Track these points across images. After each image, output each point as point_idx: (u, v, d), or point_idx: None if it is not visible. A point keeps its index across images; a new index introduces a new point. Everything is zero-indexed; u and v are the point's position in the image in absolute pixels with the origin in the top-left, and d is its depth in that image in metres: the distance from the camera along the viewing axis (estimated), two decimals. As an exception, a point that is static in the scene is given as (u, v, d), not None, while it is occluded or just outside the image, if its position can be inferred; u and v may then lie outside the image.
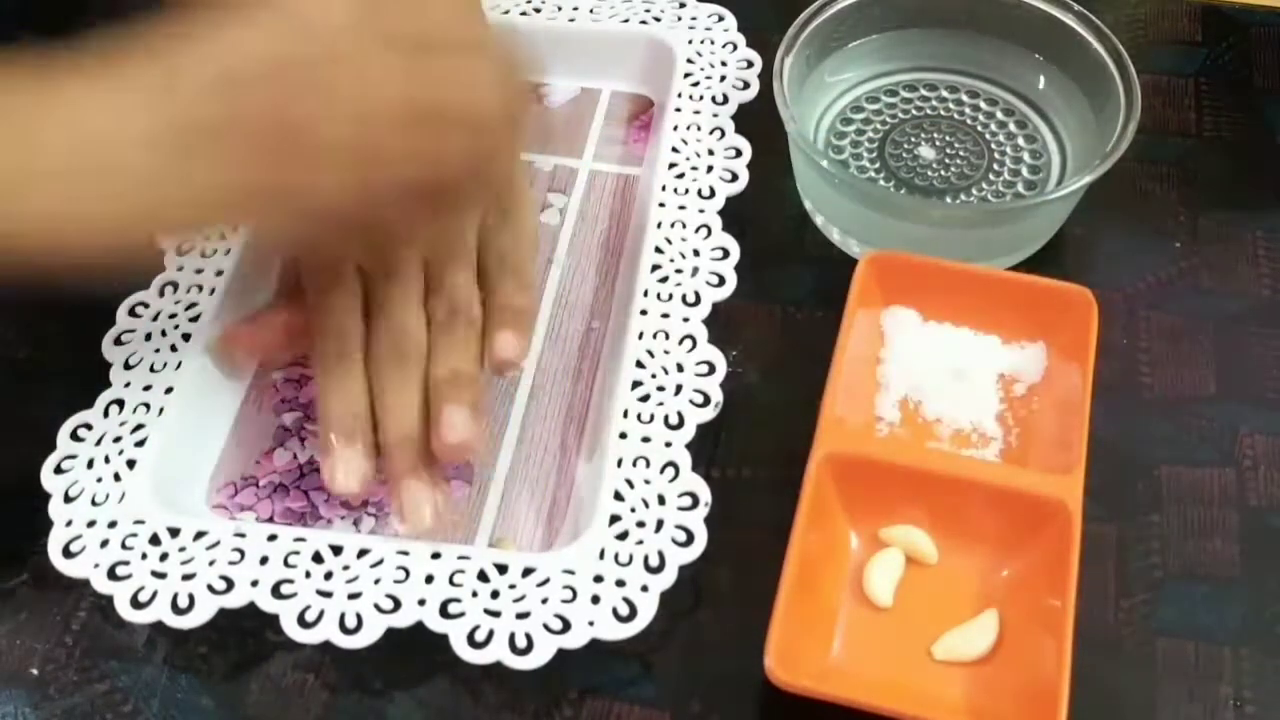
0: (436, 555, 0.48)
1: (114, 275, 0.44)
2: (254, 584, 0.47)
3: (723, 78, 0.64)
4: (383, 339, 0.51)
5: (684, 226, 0.58)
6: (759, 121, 0.62)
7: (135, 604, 0.47)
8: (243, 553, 0.48)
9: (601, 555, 0.48)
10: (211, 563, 0.48)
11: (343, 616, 0.46)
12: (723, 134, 0.62)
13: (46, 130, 0.42)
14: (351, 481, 0.49)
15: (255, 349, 0.55)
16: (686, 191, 0.59)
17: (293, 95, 0.43)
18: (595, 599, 0.47)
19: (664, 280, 0.56)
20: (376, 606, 0.46)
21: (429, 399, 0.50)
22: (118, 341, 0.55)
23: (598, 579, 0.47)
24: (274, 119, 0.43)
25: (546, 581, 0.47)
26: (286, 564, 0.48)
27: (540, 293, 0.59)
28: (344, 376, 0.51)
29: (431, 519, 0.49)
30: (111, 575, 0.47)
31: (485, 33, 0.49)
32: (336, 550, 0.48)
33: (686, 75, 0.64)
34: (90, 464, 0.51)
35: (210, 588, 0.47)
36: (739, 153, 0.61)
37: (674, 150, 0.61)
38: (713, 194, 0.59)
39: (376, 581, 0.47)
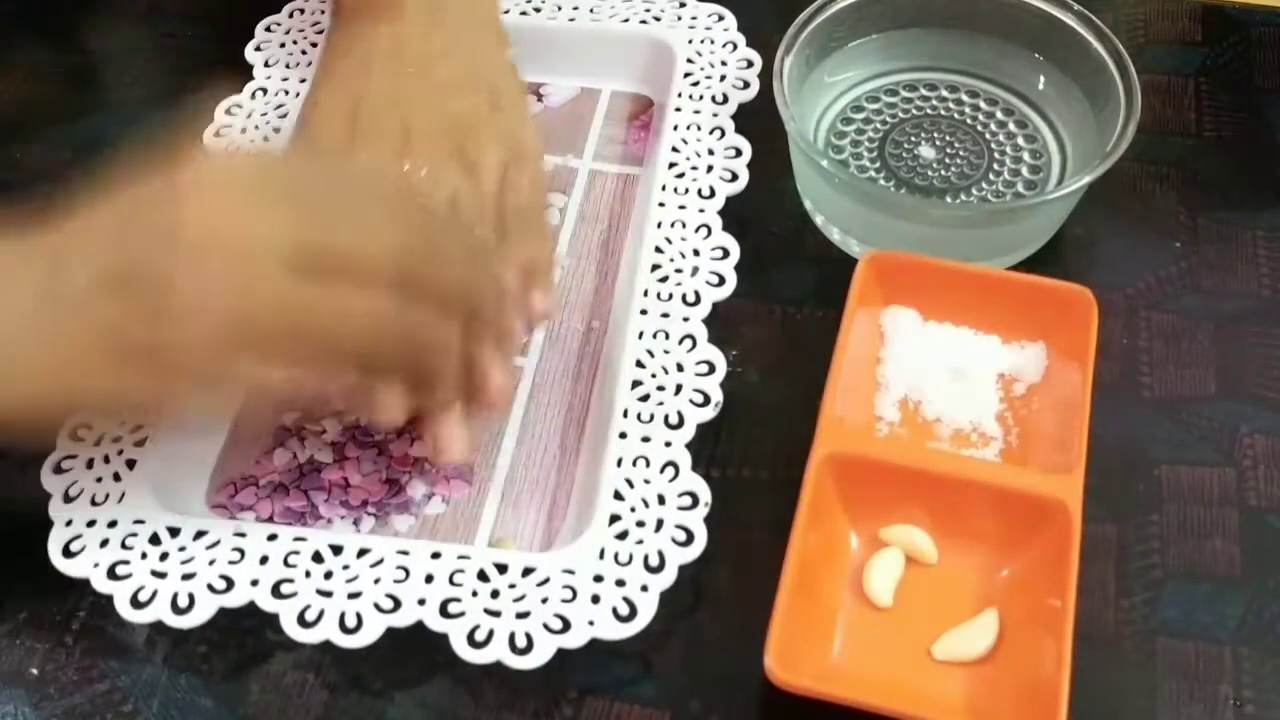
0: (436, 555, 0.48)
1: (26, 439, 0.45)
2: (254, 583, 0.47)
3: (723, 77, 0.64)
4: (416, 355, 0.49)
5: (684, 226, 0.58)
6: (759, 121, 0.62)
7: (135, 603, 0.47)
8: (243, 552, 0.48)
9: (601, 555, 0.48)
10: (211, 562, 0.48)
11: (343, 616, 0.46)
12: (723, 134, 0.62)
13: None
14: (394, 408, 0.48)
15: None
16: (686, 191, 0.59)
17: (162, 303, 0.42)
18: (595, 599, 0.47)
19: (664, 280, 0.56)
20: (376, 606, 0.46)
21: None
22: None
23: (598, 579, 0.47)
24: (137, 328, 0.43)
25: (546, 581, 0.47)
26: (286, 564, 0.48)
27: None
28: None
29: (466, 451, 0.50)
30: (111, 575, 0.47)
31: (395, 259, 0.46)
32: (336, 550, 0.48)
33: (686, 75, 0.64)
34: (90, 464, 0.51)
35: (210, 587, 0.47)
36: (739, 152, 0.61)
37: (674, 150, 0.61)
38: (713, 194, 0.59)
39: (376, 581, 0.47)
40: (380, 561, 0.48)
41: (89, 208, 0.44)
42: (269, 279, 0.43)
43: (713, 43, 0.66)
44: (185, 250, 0.43)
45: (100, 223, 0.44)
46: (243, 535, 0.49)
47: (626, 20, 0.67)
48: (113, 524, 0.49)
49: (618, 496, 0.49)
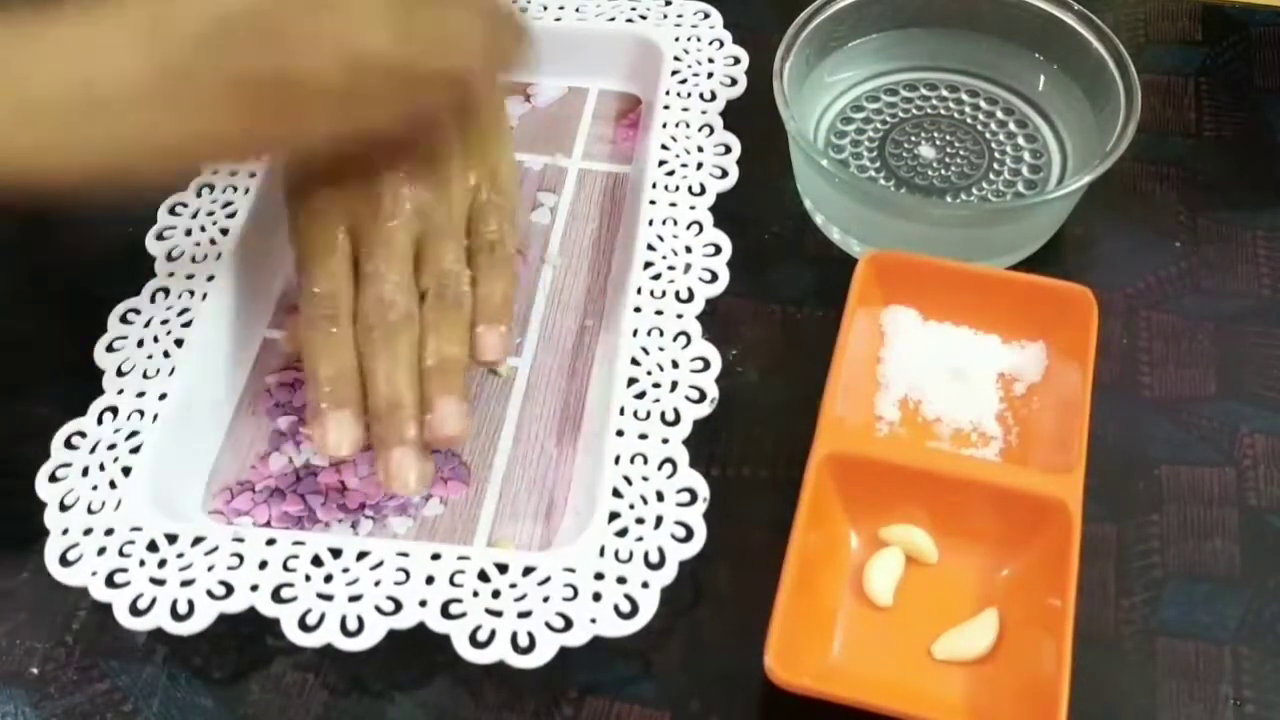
0: (436, 556, 0.48)
1: (118, 204, 0.47)
2: (254, 588, 0.47)
3: (710, 75, 0.64)
4: (371, 309, 0.51)
5: (675, 223, 0.58)
6: (754, 120, 0.62)
7: (134, 611, 0.47)
8: (241, 557, 0.48)
9: (601, 552, 0.48)
10: (210, 568, 0.47)
11: (344, 619, 0.46)
12: (712, 130, 0.62)
13: (36, 70, 0.43)
14: (343, 443, 0.49)
15: None
16: (677, 189, 0.59)
17: (279, 44, 0.45)
18: (596, 596, 0.47)
19: (657, 277, 0.56)
20: (377, 608, 0.46)
21: (420, 377, 0.51)
22: (109, 348, 0.54)
23: (598, 576, 0.47)
24: (261, 68, 0.45)
25: (547, 580, 0.47)
26: (286, 568, 0.48)
27: (532, 292, 0.59)
28: (333, 340, 0.50)
29: (416, 485, 0.50)
30: (110, 583, 0.47)
31: None
32: (336, 553, 0.48)
33: (674, 73, 0.64)
34: (85, 472, 0.50)
35: (209, 593, 0.47)
36: (728, 149, 0.61)
37: (663, 148, 0.61)
38: (703, 190, 0.59)
39: (377, 584, 0.47)
40: (380, 564, 0.48)
41: None
42: (371, 40, 0.46)
43: (699, 40, 0.66)
44: (288, 16, 0.45)
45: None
46: (241, 540, 0.48)
47: (613, 19, 0.67)
48: (110, 532, 0.48)
49: (616, 494, 0.49)
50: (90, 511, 0.49)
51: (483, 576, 0.47)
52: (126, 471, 0.50)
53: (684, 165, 0.60)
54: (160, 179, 0.47)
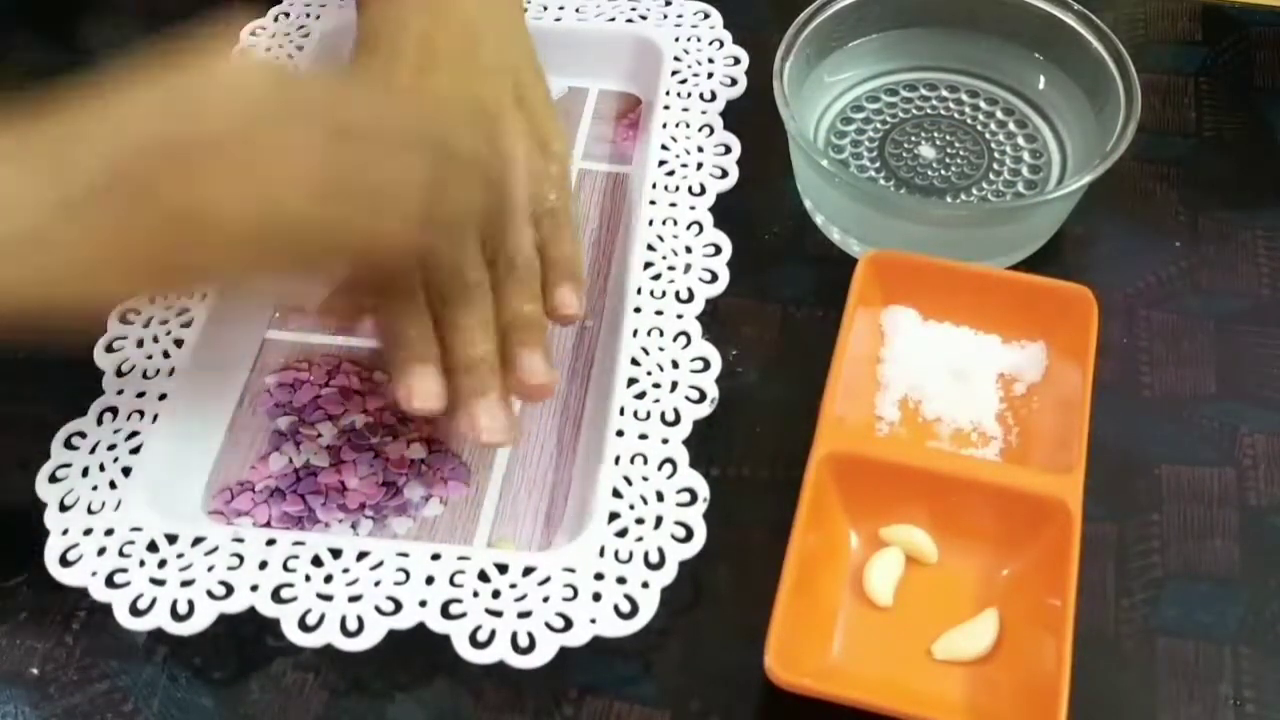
0: (436, 556, 0.48)
1: (53, 335, 0.44)
2: (254, 589, 0.47)
3: (710, 74, 0.64)
4: (444, 282, 0.51)
5: (675, 224, 0.58)
6: (754, 119, 0.62)
7: (134, 611, 0.47)
8: (241, 558, 0.48)
9: (601, 553, 0.48)
10: (210, 568, 0.47)
11: (344, 619, 0.46)
12: (712, 131, 0.62)
13: None
14: (430, 398, 0.49)
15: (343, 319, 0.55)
16: (677, 189, 0.59)
17: (189, 183, 0.42)
18: (596, 596, 0.47)
19: (657, 278, 0.56)
20: (377, 609, 0.46)
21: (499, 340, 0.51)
22: (109, 349, 0.54)
23: (598, 576, 0.47)
24: (170, 206, 0.42)
25: (547, 580, 0.47)
26: (286, 568, 0.48)
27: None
28: (410, 306, 0.50)
29: (504, 434, 0.50)
30: (110, 583, 0.47)
31: (417, 125, 0.47)
32: (336, 553, 0.48)
33: (674, 73, 0.64)
34: (85, 472, 0.50)
35: (209, 593, 0.47)
36: (729, 149, 0.61)
37: (663, 148, 0.61)
38: (703, 191, 0.59)
39: (377, 584, 0.47)
40: (380, 564, 0.48)
41: (90, 101, 0.43)
42: (295, 195, 0.43)
43: (699, 40, 0.66)
44: (208, 155, 0.42)
45: (101, 120, 0.43)
46: (241, 541, 0.48)
47: (613, 19, 0.67)
48: (109, 532, 0.49)
49: (616, 494, 0.49)
50: (90, 512, 0.49)
51: (483, 577, 0.47)
52: (126, 472, 0.50)
53: (684, 165, 0.60)
54: (75, 317, 0.45)
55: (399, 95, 0.53)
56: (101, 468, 0.51)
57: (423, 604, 0.46)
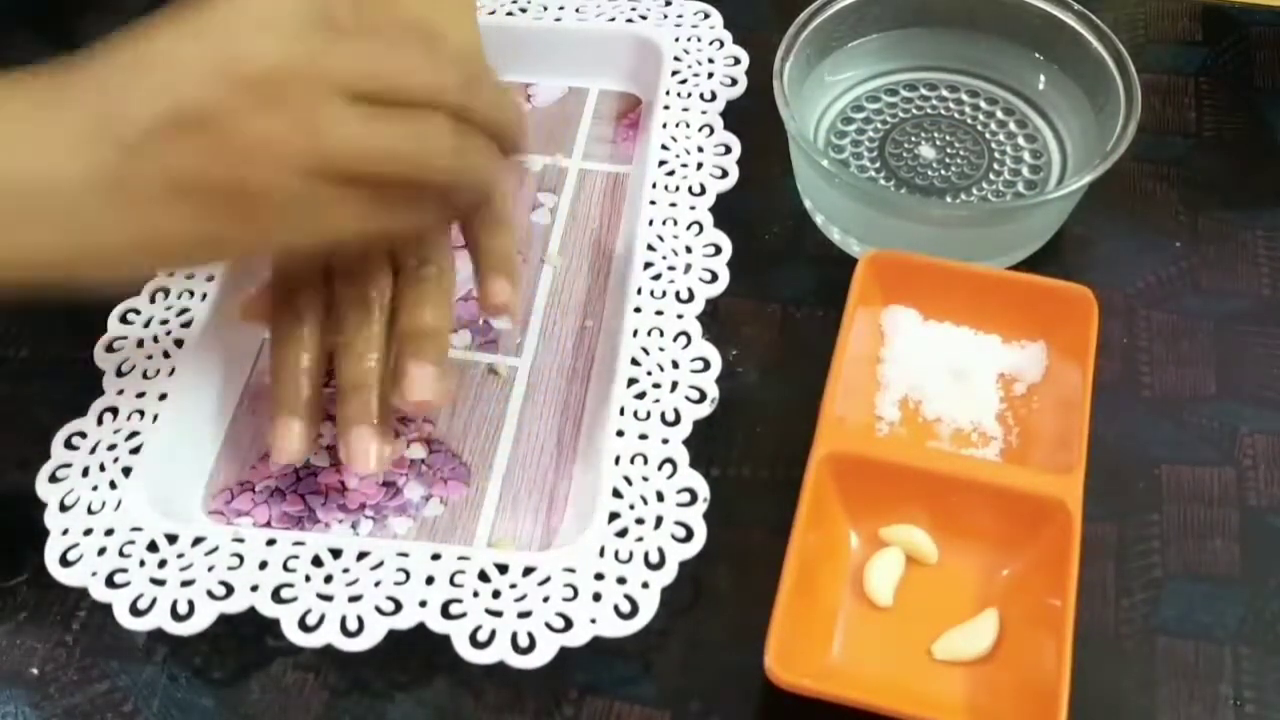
0: (436, 556, 0.48)
1: (84, 292, 0.44)
2: (254, 589, 0.47)
3: (710, 75, 0.64)
4: (347, 284, 0.50)
5: (675, 224, 0.58)
6: (753, 119, 0.62)
7: (134, 611, 0.47)
8: (241, 558, 0.48)
9: (601, 553, 0.48)
10: (210, 568, 0.47)
11: (344, 619, 0.46)
12: (712, 131, 0.62)
13: None
14: (290, 454, 0.50)
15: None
16: (677, 189, 0.59)
17: (229, 150, 0.42)
18: (597, 596, 0.47)
19: (657, 278, 0.56)
20: (378, 609, 0.46)
21: (395, 350, 0.50)
22: (109, 349, 0.54)
23: (598, 576, 0.47)
24: (209, 174, 0.42)
25: (547, 580, 0.47)
26: (286, 568, 0.48)
27: (533, 292, 0.59)
28: (296, 334, 0.50)
29: (376, 464, 0.49)
30: (110, 583, 0.47)
31: (454, 78, 0.46)
32: (336, 554, 0.48)
33: (674, 73, 0.64)
34: (85, 472, 0.50)
35: (210, 593, 0.47)
36: (729, 149, 0.61)
37: (663, 148, 0.61)
38: (703, 191, 0.59)
39: (377, 584, 0.47)
40: (380, 564, 0.48)
41: (121, 52, 0.43)
42: (335, 113, 0.42)
43: (699, 40, 0.66)
44: (244, 85, 0.41)
45: (146, 60, 0.43)
46: (241, 541, 0.48)
47: (613, 19, 0.67)
48: (110, 532, 0.49)
49: (616, 494, 0.49)
50: (90, 512, 0.49)
51: (483, 577, 0.47)
52: (127, 472, 0.50)
53: (684, 165, 0.60)
54: (109, 282, 0.44)
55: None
56: (102, 468, 0.50)
57: (423, 604, 0.47)
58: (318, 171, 0.43)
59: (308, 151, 0.42)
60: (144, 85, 0.42)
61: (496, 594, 0.47)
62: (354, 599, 0.47)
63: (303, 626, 0.46)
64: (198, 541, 0.48)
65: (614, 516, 0.49)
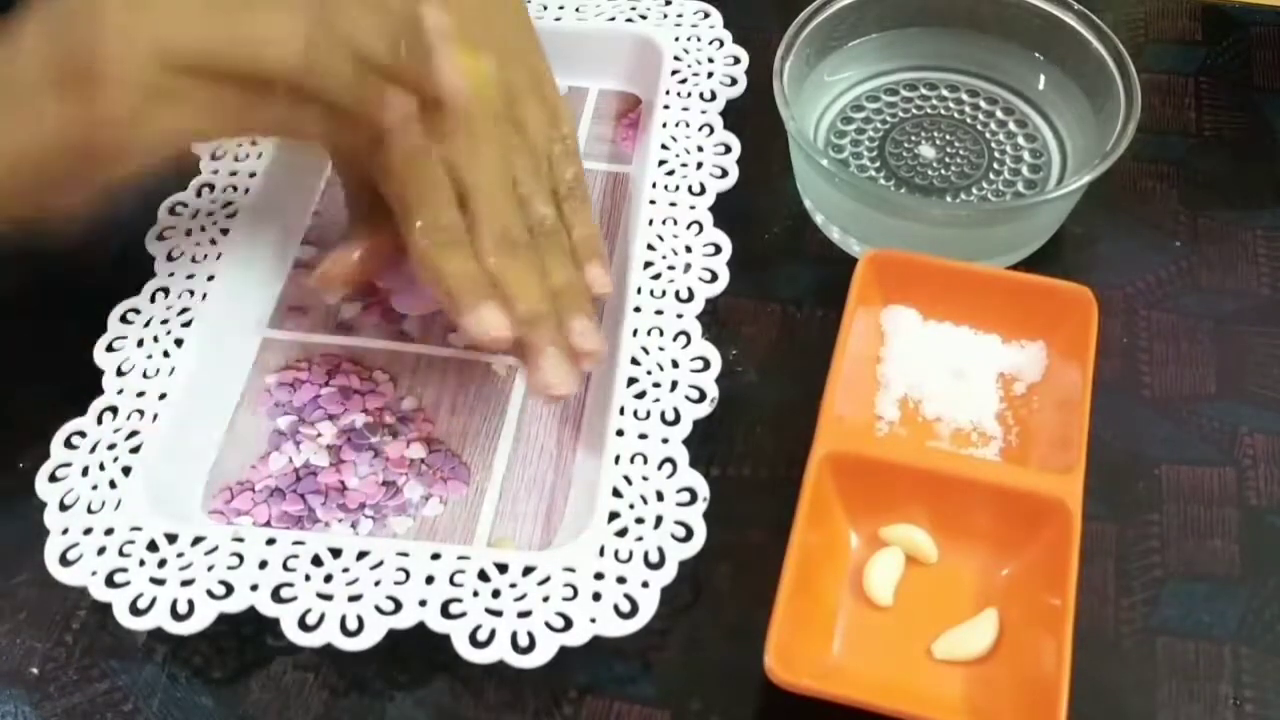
0: (436, 556, 0.48)
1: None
2: (253, 588, 0.47)
3: (710, 74, 0.64)
4: (489, 236, 0.51)
5: (675, 223, 0.58)
6: (753, 119, 0.62)
7: (134, 611, 0.47)
8: (241, 557, 0.48)
9: (601, 552, 0.48)
10: (210, 568, 0.47)
11: (344, 619, 0.46)
12: (712, 130, 0.62)
13: None
14: (502, 324, 0.49)
15: (346, 281, 0.55)
16: (677, 188, 0.59)
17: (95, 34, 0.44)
18: (596, 596, 0.47)
19: (656, 277, 0.56)
20: (377, 608, 0.46)
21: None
22: (109, 349, 0.54)
23: (598, 576, 0.47)
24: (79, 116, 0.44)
25: (547, 580, 0.47)
26: (286, 568, 0.48)
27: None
28: (458, 248, 0.50)
29: (569, 384, 0.50)
30: (109, 583, 0.47)
31: None
32: (335, 553, 0.48)
33: (674, 72, 0.64)
34: (85, 471, 0.50)
35: (209, 593, 0.47)
36: (728, 149, 0.61)
37: (663, 147, 0.61)
38: (703, 190, 0.59)
39: (377, 583, 0.47)
40: (380, 564, 0.48)
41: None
42: (189, 15, 0.45)
43: (699, 40, 0.66)
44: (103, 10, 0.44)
45: (39, 16, 0.45)
46: (240, 540, 0.48)
47: (613, 19, 0.67)
48: (109, 531, 0.48)
49: (616, 494, 0.49)
50: (90, 511, 0.49)
51: (482, 576, 0.47)
52: (126, 471, 0.50)
53: (684, 165, 0.60)
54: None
55: None
56: (101, 467, 0.50)
57: (422, 603, 0.46)
58: (167, 83, 0.44)
59: (157, 54, 0.44)
60: (34, 37, 0.45)
61: (496, 593, 0.47)
62: (354, 598, 0.47)
63: (302, 626, 0.46)
64: (197, 541, 0.48)
65: (614, 516, 0.49)
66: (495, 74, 0.53)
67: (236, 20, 0.45)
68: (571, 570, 0.47)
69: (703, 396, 0.52)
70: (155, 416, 0.52)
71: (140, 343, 0.54)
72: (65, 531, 0.49)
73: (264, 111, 0.47)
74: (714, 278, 0.56)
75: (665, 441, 0.51)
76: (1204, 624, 0.49)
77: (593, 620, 0.46)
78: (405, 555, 0.48)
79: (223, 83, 0.45)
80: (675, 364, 0.53)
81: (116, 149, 0.45)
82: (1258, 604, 0.49)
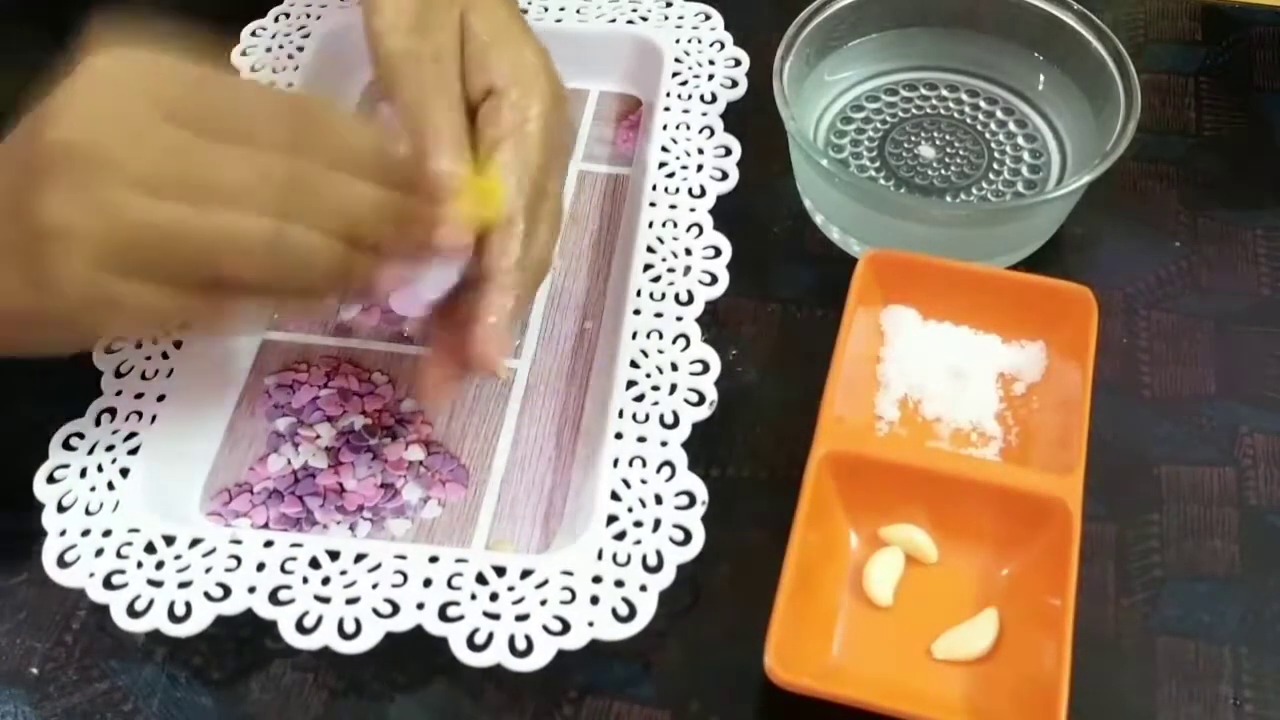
0: (434, 559, 0.48)
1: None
2: (251, 590, 0.47)
3: (711, 76, 0.64)
4: None
5: (675, 226, 0.58)
6: (753, 120, 0.62)
7: (132, 613, 0.46)
8: (239, 559, 0.48)
9: (599, 556, 0.48)
10: (208, 570, 0.47)
11: (341, 621, 0.46)
12: (712, 133, 0.62)
13: None
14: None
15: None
16: (677, 191, 0.59)
17: (37, 188, 0.40)
18: (594, 599, 0.46)
19: (656, 280, 0.56)
20: (375, 611, 0.46)
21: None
22: (109, 349, 0.54)
23: (596, 579, 0.47)
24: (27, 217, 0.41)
25: (545, 583, 0.47)
26: (283, 570, 0.47)
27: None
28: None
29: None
30: (107, 584, 0.47)
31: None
32: (333, 555, 0.48)
33: (675, 74, 0.64)
34: (83, 473, 0.50)
35: (207, 595, 0.47)
36: (729, 151, 0.61)
37: (664, 150, 0.61)
38: (703, 193, 0.59)
39: (374, 586, 0.47)
40: (378, 566, 0.48)
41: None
42: (130, 201, 0.40)
43: (700, 42, 0.66)
44: (41, 166, 0.40)
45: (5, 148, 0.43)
46: (238, 542, 0.48)
47: (613, 21, 0.66)
48: (107, 533, 0.48)
49: (615, 497, 0.49)
50: (88, 513, 0.49)
51: (480, 579, 0.47)
52: (124, 473, 0.50)
53: (684, 167, 0.60)
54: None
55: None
56: (100, 469, 0.50)
57: (420, 606, 0.46)
58: (104, 257, 0.41)
59: (99, 237, 0.40)
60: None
61: (494, 596, 0.47)
62: (351, 601, 0.47)
63: (300, 628, 0.46)
64: (195, 543, 0.48)
65: (612, 519, 0.49)
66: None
67: (193, 213, 0.41)
68: (569, 574, 0.47)
69: (702, 399, 0.52)
70: (154, 418, 0.52)
71: (139, 344, 0.54)
72: (63, 533, 0.49)
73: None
74: (714, 280, 0.56)
75: (664, 445, 0.51)
76: (1204, 624, 0.49)
77: (590, 624, 0.46)
78: (403, 558, 0.48)
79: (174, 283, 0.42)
80: (675, 367, 0.53)
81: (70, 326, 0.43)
82: (1258, 604, 0.49)
